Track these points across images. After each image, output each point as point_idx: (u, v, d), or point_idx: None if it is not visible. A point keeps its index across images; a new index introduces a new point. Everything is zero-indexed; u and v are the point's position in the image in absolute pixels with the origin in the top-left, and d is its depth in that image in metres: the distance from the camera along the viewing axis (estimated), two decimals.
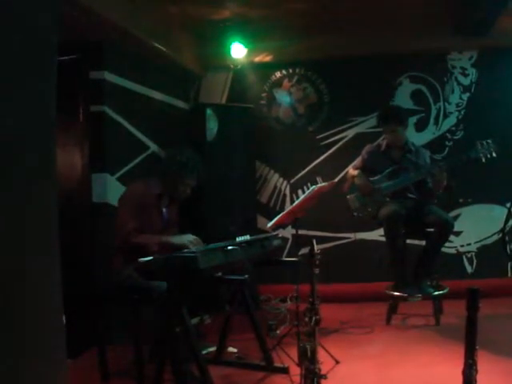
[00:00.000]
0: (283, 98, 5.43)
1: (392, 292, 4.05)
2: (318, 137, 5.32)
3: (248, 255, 2.97)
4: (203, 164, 3.26)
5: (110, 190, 3.79)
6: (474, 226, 5.01)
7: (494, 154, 3.90)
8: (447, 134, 5.12)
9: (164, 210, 3.28)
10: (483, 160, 3.92)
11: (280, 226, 3.76)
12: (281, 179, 5.41)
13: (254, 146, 5.21)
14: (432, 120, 5.15)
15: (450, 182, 4.07)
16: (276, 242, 3.42)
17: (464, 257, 5.06)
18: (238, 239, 2.99)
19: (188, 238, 2.99)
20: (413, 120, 5.04)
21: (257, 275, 4.18)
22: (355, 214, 4.25)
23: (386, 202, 4.10)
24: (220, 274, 3.18)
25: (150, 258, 2.66)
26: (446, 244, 4.41)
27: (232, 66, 5.18)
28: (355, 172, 4.30)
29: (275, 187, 5.42)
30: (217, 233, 3.31)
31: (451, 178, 4.06)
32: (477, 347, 1.92)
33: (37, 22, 1.52)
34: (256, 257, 3.14)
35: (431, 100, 5.15)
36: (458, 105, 5.11)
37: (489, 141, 3.92)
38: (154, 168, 3.35)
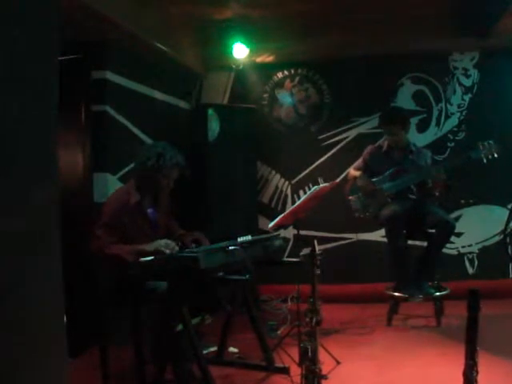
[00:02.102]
0: (285, 98, 5.43)
1: (393, 293, 4.05)
2: (319, 137, 5.32)
3: (249, 255, 2.96)
4: (182, 155, 3.13)
5: (111, 189, 3.78)
6: (476, 227, 5.00)
7: (495, 155, 3.91)
8: (449, 135, 5.11)
9: (149, 210, 3.15)
10: (484, 161, 3.92)
11: (281, 226, 3.76)
12: (282, 180, 5.41)
13: (255, 147, 5.21)
14: (434, 121, 5.14)
15: (450, 183, 4.07)
16: (277, 243, 3.42)
17: (465, 258, 5.05)
18: (240, 239, 2.99)
19: (160, 243, 2.89)
20: (414, 121, 5.03)
21: (258, 275, 4.17)
22: (357, 214, 4.25)
23: (387, 203, 4.10)
24: (221, 274, 3.18)
25: (152, 257, 2.66)
26: (448, 245, 4.42)
27: (234, 67, 5.17)
28: (357, 173, 4.30)
29: (277, 188, 5.42)
30: (218, 233, 3.30)
31: (451, 179, 4.06)
32: (478, 348, 1.92)
33: (38, 21, 1.52)
34: (257, 257, 3.14)
35: (433, 101, 5.14)
36: (459, 106, 5.10)
37: (490, 141, 3.93)
38: (133, 168, 3.24)
